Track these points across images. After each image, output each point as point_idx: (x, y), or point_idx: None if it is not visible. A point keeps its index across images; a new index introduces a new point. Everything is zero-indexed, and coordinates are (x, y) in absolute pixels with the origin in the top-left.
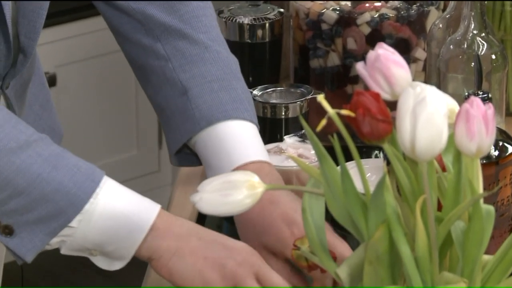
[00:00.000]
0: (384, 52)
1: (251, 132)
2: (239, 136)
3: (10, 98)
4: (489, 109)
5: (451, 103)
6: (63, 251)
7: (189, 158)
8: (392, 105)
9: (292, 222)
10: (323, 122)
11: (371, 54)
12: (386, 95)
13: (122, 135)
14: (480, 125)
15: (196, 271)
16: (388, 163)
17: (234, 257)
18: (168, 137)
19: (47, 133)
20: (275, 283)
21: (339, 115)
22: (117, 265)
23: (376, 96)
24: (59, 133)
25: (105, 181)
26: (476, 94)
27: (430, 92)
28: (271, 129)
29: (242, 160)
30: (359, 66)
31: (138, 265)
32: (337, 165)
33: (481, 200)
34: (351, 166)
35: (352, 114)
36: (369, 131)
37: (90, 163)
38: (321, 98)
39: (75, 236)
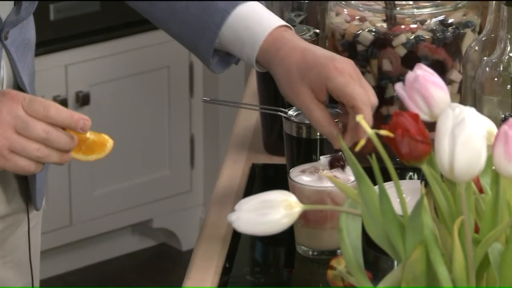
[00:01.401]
0: (423, 73)
1: (262, 7)
2: (259, 11)
3: (12, 53)
4: None
5: (489, 125)
6: None
7: (225, 59)
8: (430, 126)
9: (333, 58)
10: (362, 142)
11: (410, 75)
12: (424, 116)
13: (154, 155)
14: None
15: None
16: (426, 184)
17: None
18: (200, 43)
19: None
20: None
21: (377, 135)
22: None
23: (415, 117)
24: None
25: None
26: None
27: (469, 113)
28: (306, 150)
29: (271, 26)
30: (398, 87)
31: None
32: (374, 185)
33: None
34: (387, 187)
35: (391, 134)
36: (408, 151)
37: None
38: (360, 118)
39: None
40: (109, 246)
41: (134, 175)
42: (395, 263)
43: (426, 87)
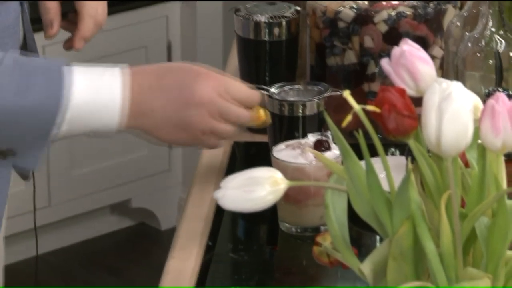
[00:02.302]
0: (409, 48)
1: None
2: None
3: (27, 13)
4: None
5: (474, 100)
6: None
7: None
8: (417, 101)
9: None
10: (349, 118)
11: (396, 50)
12: (411, 91)
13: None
14: (506, 121)
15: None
16: (412, 159)
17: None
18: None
19: None
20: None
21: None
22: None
23: (402, 92)
24: None
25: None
26: (497, 91)
27: (456, 88)
28: (288, 127)
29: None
30: (384, 62)
31: (153, 268)
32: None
33: (505, 196)
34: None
35: (377, 110)
36: (394, 127)
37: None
38: (346, 94)
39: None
40: (88, 226)
41: (112, 155)
42: (377, 239)
43: (412, 62)
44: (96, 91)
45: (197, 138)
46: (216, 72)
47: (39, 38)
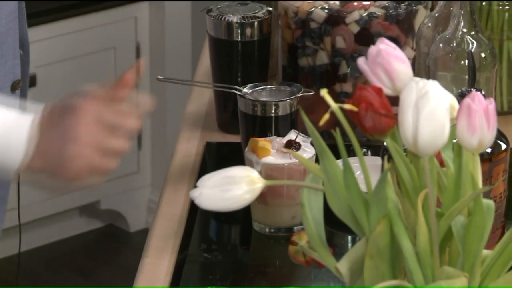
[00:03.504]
0: (386, 47)
1: None
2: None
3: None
4: (490, 104)
5: (451, 99)
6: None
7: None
8: (393, 100)
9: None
10: (326, 116)
11: (372, 49)
12: (387, 90)
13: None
14: (482, 120)
15: None
16: (389, 158)
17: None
18: None
19: None
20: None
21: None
22: None
23: (379, 90)
24: None
25: None
26: (470, 92)
27: (433, 86)
28: (261, 127)
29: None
30: (360, 61)
31: (122, 269)
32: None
33: (481, 195)
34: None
35: (355, 108)
36: (371, 125)
37: None
38: (324, 92)
39: None
40: (57, 228)
41: None
42: (349, 239)
43: (388, 61)
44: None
45: (79, 176)
46: (98, 97)
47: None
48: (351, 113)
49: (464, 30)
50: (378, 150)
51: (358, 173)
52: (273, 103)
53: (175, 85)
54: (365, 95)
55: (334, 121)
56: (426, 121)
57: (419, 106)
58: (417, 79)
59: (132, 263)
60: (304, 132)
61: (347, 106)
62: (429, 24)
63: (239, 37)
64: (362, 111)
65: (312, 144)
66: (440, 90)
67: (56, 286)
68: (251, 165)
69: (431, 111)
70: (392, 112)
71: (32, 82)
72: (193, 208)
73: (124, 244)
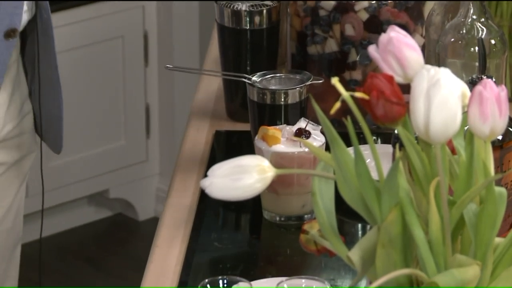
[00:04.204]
0: (397, 35)
1: None
2: None
3: None
4: (502, 91)
5: (462, 86)
6: None
7: None
8: (404, 88)
9: None
10: (337, 105)
11: (383, 37)
12: (398, 78)
13: (110, 125)
14: (494, 107)
15: None
16: (400, 147)
17: None
18: None
19: None
20: None
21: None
22: None
23: (390, 78)
24: None
25: None
26: (480, 79)
27: (444, 74)
28: (270, 116)
29: None
30: (371, 49)
31: (131, 258)
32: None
33: (493, 182)
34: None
35: (366, 96)
36: (383, 113)
37: None
38: (335, 81)
39: None
40: (66, 217)
41: (90, 146)
42: (360, 227)
43: (400, 49)
44: None
45: None
46: None
47: None
48: (362, 102)
49: (474, 17)
50: (387, 137)
51: (368, 161)
52: (283, 91)
53: (184, 74)
54: (376, 83)
55: (342, 109)
56: (438, 109)
57: (431, 94)
58: (428, 66)
59: (141, 251)
60: (314, 120)
61: (358, 94)
62: (439, 11)
63: (248, 25)
64: (374, 99)
65: (322, 132)
66: (451, 77)
67: (65, 275)
68: (261, 153)
69: (443, 99)
70: (404, 100)
71: None
72: (203, 197)
73: (132, 232)
